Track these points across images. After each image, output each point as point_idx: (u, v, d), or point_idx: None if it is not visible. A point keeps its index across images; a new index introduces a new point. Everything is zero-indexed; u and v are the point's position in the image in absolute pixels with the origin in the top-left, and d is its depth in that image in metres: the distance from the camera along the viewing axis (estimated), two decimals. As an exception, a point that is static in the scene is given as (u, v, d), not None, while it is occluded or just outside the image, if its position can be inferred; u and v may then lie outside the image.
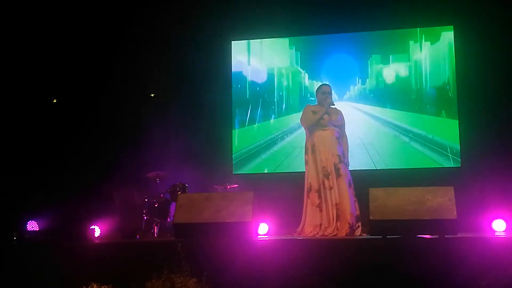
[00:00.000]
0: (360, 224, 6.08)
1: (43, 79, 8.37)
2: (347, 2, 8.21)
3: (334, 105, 6.38)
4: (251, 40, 8.81)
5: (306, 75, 8.59)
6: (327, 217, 6.07)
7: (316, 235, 6.01)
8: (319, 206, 6.13)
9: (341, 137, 6.32)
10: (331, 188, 6.11)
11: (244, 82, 8.77)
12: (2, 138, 8.05)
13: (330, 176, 6.12)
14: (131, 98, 8.54)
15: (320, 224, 6.09)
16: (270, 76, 8.71)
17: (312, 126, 6.29)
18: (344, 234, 5.92)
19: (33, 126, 8.29)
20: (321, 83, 6.87)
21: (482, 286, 4.30)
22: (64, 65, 8.37)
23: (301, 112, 6.47)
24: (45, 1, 8.10)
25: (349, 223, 5.99)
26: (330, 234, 5.96)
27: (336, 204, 6.06)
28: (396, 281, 4.48)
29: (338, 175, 6.12)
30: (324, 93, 6.37)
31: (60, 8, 8.11)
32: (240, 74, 8.78)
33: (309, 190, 6.23)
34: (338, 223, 6.02)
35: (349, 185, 6.14)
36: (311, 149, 6.26)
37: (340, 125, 6.34)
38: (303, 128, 6.51)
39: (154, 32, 8.31)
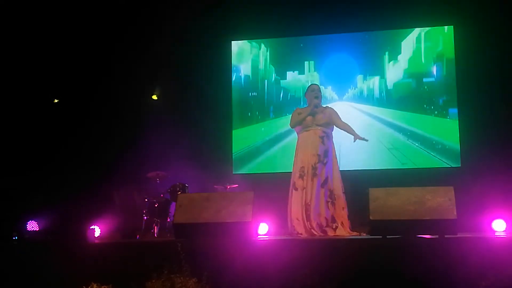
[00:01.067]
0: (338, 225, 6.07)
1: (44, 79, 8.37)
2: (347, 2, 8.21)
3: (318, 107, 6.31)
4: (251, 40, 8.81)
5: (306, 75, 8.59)
6: (297, 217, 6.07)
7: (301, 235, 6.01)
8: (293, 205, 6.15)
9: (326, 136, 6.28)
10: (303, 188, 6.12)
11: (244, 82, 8.76)
12: (2, 138, 8.05)
13: (305, 177, 6.14)
14: (131, 98, 8.53)
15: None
16: (270, 76, 8.71)
17: (297, 126, 6.34)
18: (317, 235, 5.93)
19: (33, 126, 8.29)
20: (311, 84, 6.86)
21: (482, 286, 4.30)
22: (65, 66, 8.37)
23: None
24: (46, 1, 8.09)
25: (318, 223, 6.01)
26: (302, 234, 5.97)
27: (307, 204, 6.06)
28: (396, 281, 4.48)
29: (313, 174, 6.13)
30: (313, 90, 6.39)
31: (62, 9, 8.10)
32: (240, 74, 8.78)
33: (290, 190, 6.28)
34: (308, 223, 6.02)
35: (321, 185, 6.13)
36: (297, 150, 6.34)
37: (325, 123, 6.28)
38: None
39: (154, 32, 8.31)
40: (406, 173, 7.89)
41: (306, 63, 8.60)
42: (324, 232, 5.99)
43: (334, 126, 6.37)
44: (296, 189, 6.16)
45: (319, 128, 6.25)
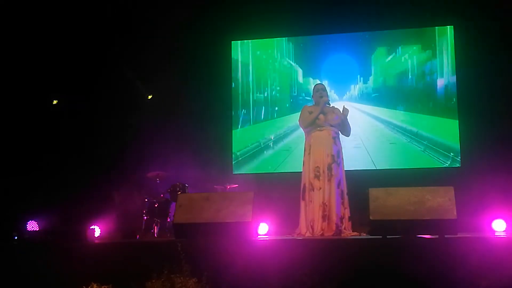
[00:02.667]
0: (346, 226, 6.08)
1: (43, 79, 8.36)
2: (347, 2, 8.21)
3: (329, 104, 6.36)
4: (251, 40, 8.81)
5: (306, 75, 8.58)
6: (312, 217, 6.07)
7: (310, 236, 6.01)
8: (309, 206, 6.14)
9: (337, 137, 6.31)
10: (320, 188, 6.10)
11: (244, 82, 8.76)
12: (2, 138, 8.05)
13: (321, 177, 6.11)
14: (131, 98, 8.53)
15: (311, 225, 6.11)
16: (270, 76, 8.71)
17: (309, 126, 6.30)
18: (330, 234, 5.92)
19: (33, 126, 8.29)
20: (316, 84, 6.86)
21: (482, 286, 4.30)
22: (64, 66, 8.36)
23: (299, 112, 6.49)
24: (46, 1, 8.09)
25: (335, 224, 6.00)
26: (317, 234, 5.96)
27: (324, 205, 6.05)
28: (396, 281, 4.48)
29: (330, 175, 6.12)
30: (318, 91, 6.38)
31: (62, 8, 8.09)
32: (240, 74, 8.78)
33: (303, 191, 6.24)
34: (324, 223, 6.02)
35: (337, 186, 6.13)
36: (308, 150, 6.28)
37: (337, 124, 6.30)
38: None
39: (154, 32, 8.31)
40: (406, 173, 7.89)
41: (311, 69, 8.61)
42: (339, 232, 5.97)
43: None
44: (312, 190, 6.12)
45: (332, 128, 6.25)
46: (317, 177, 6.13)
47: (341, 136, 6.40)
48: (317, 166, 6.15)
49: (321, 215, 6.03)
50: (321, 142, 6.20)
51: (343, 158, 6.30)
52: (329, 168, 6.13)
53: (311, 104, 6.54)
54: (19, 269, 5.16)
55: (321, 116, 6.24)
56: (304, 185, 6.24)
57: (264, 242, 5.29)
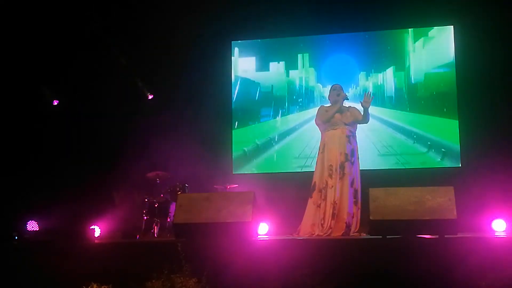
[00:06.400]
0: (356, 225, 6.08)
1: (44, 79, 8.37)
2: (347, 2, 8.21)
3: (348, 98, 6.38)
4: (251, 40, 8.81)
5: (306, 75, 8.58)
6: (323, 216, 6.08)
7: (313, 235, 6.02)
8: (320, 205, 6.14)
9: (352, 135, 6.31)
10: (332, 186, 6.12)
11: (244, 82, 8.76)
12: (2, 138, 8.05)
13: (333, 175, 6.13)
14: (131, 98, 8.53)
15: (315, 224, 6.11)
16: (270, 76, 8.71)
17: (326, 123, 6.31)
18: (340, 234, 5.92)
19: (33, 126, 8.29)
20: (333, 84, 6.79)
21: (482, 286, 4.30)
22: (65, 66, 8.36)
23: (316, 112, 6.49)
24: (45, 1, 8.09)
25: (345, 223, 5.99)
26: (323, 234, 5.97)
27: (334, 203, 6.05)
28: (396, 281, 4.48)
29: (342, 174, 6.13)
30: (335, 89, 6.42)
31: (61, 7, 8.09)
32: (240, 73, 8.77)
33: (313, 189, 6.25)
34: (333, 221, 6.02)
35: (351, 185, 6.14)
36: (322, 148, 6.31)
37: (352, 122, 6.31)
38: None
39: (154, 32, 8.30)
40: (406, 173, 7.89)
41: (310, 67, 8.61)
42: (349, 232, 5.96)
43: (357, 126, 6.40)
44: (325, 188, 6.13)
45: (346, 127, 6.28)
46: (330, 175, 6.15)
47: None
48: (330, 165, 6.17)
49: (331, 213, 6.03)
50: (334, 141, 6.23)
51: (358, 157, 6.30)
52: (342, 167, 6.14)
53: (327, 104, 6.54)
54: (19, 269, 5.16)
55: (337, 115, 6.27)
56: (314, 183, 6.25)
57: (264, 242, 5.30)
